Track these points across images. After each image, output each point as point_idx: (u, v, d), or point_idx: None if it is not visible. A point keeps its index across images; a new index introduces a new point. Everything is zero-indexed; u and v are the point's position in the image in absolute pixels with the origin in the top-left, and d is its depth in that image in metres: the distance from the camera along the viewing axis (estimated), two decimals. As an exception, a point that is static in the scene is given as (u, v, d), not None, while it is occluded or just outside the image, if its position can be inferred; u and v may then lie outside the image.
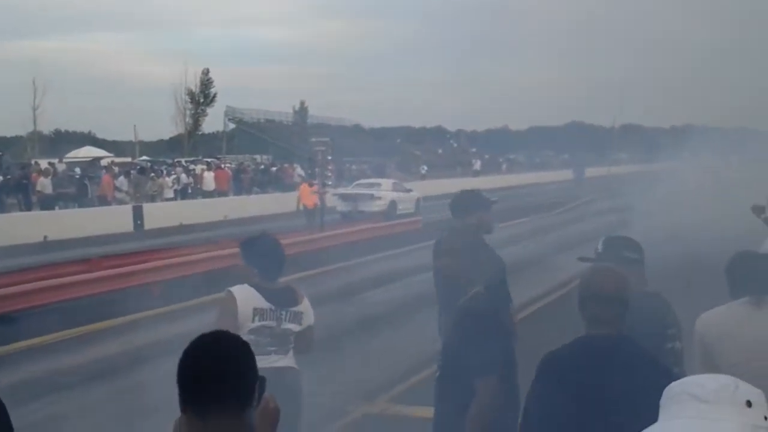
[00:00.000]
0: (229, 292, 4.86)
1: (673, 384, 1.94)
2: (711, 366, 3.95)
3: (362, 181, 34.89)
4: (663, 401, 1.93)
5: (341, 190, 30.80)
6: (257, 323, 4.77)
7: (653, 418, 1.93)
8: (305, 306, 5.02)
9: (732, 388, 1.85)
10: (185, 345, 2.40)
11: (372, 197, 29.80)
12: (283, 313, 4.86)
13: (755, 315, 4.05)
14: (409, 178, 45.49)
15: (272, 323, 4.82)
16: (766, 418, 1.83)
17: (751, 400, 1.83)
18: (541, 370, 3.36)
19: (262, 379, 2.58)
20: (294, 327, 4.92)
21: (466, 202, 5.94)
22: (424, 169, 60.01)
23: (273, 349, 4.80)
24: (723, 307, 4.21)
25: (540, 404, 3.28)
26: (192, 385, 2.33)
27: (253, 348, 4.63)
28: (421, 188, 36.94)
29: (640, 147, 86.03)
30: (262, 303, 4.82)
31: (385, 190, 31.06)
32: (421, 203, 31.86)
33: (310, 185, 25.33)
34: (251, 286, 4.88)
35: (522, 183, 56.78)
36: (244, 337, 4.60)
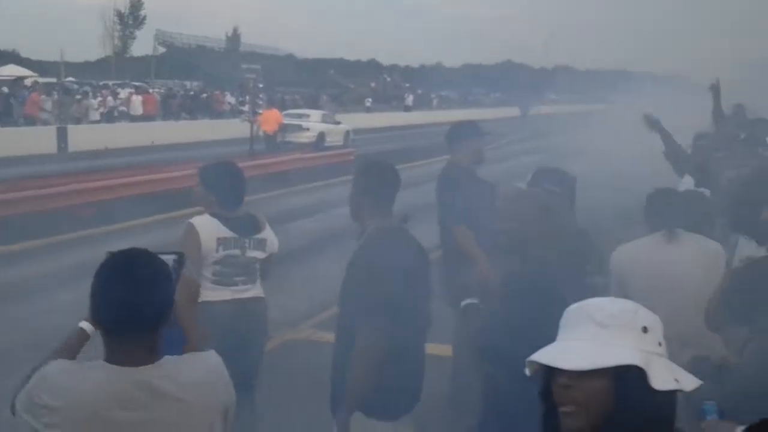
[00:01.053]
0: (190, 224, 4.70)
1: (574, 305, 1.94)
2: (622, 296, 4.08)
3: (291, 111, 33.66)
4: (563, 321, 1.93)
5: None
6: (222, 253, 4.64)
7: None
8: (268, 232, 4.92)
9: (631, 313, 1.86)
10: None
11: (300, 128, 29.30)
12: (247, 241, 4.75)
13: (665, 247, 4.20)
14: (342, 111, 45.13)
15: (237, 252, 4.70)
16: (660, 344, 1.86)
17: (648, 326, 1.85)
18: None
19: (181, 255, 2.61)
20: (259, 254, 4.82)
21: (457, 132, 5.94)
22: (368, 101, 59.66)
23: (240, 279, 4.71)
24: (638, 240, 4.37)
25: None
26: (107, 310, 2.33)
27: (219, 279, 4.62)
28: (355, 121, 36.70)
29: (572, 88, 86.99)
30: (225, 232, 4.68)
31: (313, 122, 30.60)
32: (351, 136, 31.59)
33: (269, 109, 27.09)
34: (212, 215, 4.72)
35: (453, 119, 56.90)
36: (210, 269, 4.63)
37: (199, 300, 4.55)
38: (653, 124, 7.18)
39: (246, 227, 4.79)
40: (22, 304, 8.90)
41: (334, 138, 30.45)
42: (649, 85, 37.68)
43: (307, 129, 29.49)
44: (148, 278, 2.33)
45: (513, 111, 60.63)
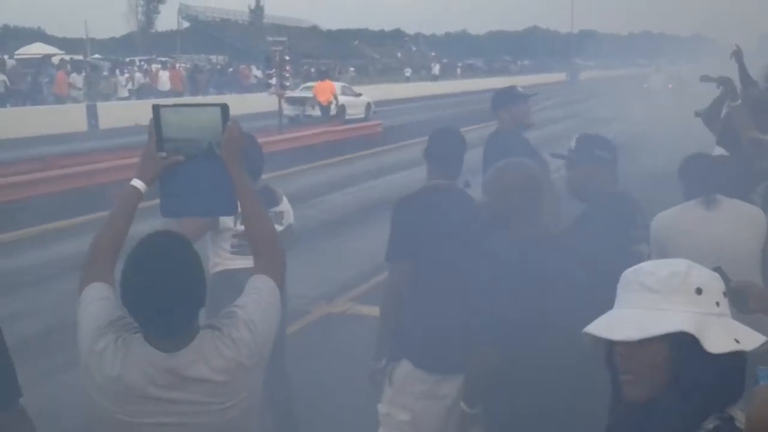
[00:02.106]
0: None
1: (627, 271, 1.89)
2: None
3: (309, 83, 32.56)
4: (618, 288, 1.89)
5: (288, 93, 28.49)
6: (240, 226, 4.62)
7: None
8: (285, 205, 4.96)
9: (682, 275, 1.80)
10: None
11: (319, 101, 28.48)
12: None
13: (704, 214, 4.17)
14: (367, 82, 44.96)
15: None
16: (718, 304, 1.79)
17: (701, 287, 1.79)
18: None
19: (224, 106, 2.55)
20: (276, 227, 4.89)
21: (501, 97, 5.83)
22: (408, 72, 59.80)
23: None
24: (677, 207, 4.32)
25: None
26: (136, 305, 2.30)
27: (238, 250, 4.62)
28: (381, 92, 36.32)
29: (598, 53, 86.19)
30: None
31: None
32: (372, 108, 30.96)
33: (323, 81, 27.99)
34: None
35: (480, 88, 56.54)
36: (228, 241, 4.65)
37: (219, 269, 4.65)
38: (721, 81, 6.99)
39: (263, 200, 4.78)
40: (68, 281, 9.01)
41: (356, 110, 29.72)
42: (674, 46, 37.46)
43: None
44: (178, 270, 2.28)
45: (541, 78, 60.15)
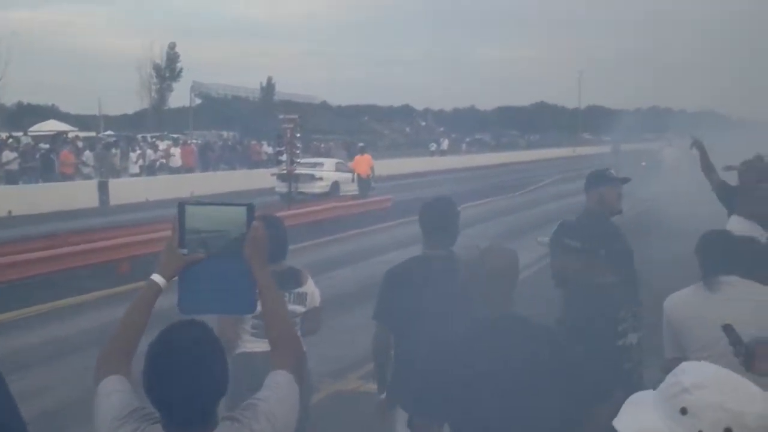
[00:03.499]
0: None
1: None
2: (678, 346, 4.02)
3: (303, 160, 30.76)
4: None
5: (277, 170, 27.21)
6: (260, 307, 4.69)
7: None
8: (309, 287, 4.98)
9: (680, 388, 1.73)
10: (153, 326, 2.35)
11: (313, 178, 27.90)
12: (287, 294, 4.78)
13: (715, 296, 4.02)
14: (377, 157, 45.11)
15: None
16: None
17: (689, 409, 1.69)
18: None
19: (250, 206, 2.59)
20: (298, 308, 4.87)
21: (592, 179, 5.60)
22: (434, 145, 60.69)
23: None
24: (689, 288, 4.21)
25: None
26: (158, 398, 2.31)
27: (258, 331, 4.60)
28: (385, 168, 36.30)
29: (606, 128, 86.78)
30: None
31: (327, 170, 29.28)
32: (371, 184, 30.14)
33: (362, 155, 29.69)
34: None
35: (485, 163, 56.79)
36: (248, 322, 4.66)
37: (239, 351, 4.64)
38: (698, 145, 7.13)
39: (286, 281, 4.81)
40: (79, 358, 8.98)
41: (351, 187, 29.08)
42: (682, 122, 37.39)
43: (320, 178, 28.39)
44: (199, 359, 2.29)
45: (547, 153, 60.46)
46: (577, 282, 4.03)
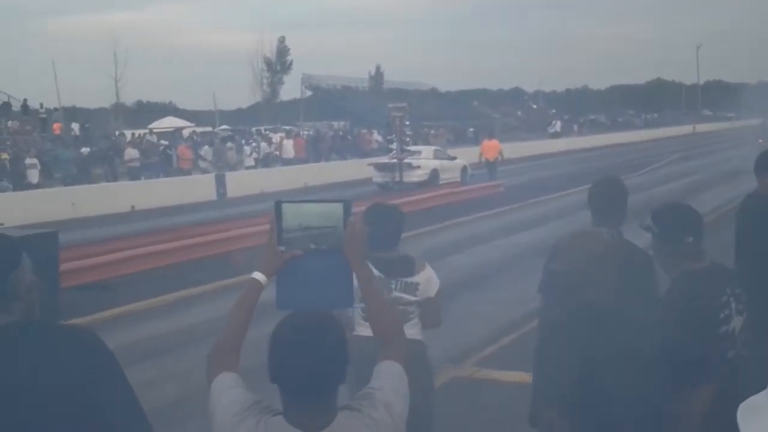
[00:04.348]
0: None
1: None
2: None
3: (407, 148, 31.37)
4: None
5: (375, 159, 27.67)
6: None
7: None
8: (423, 277, 4.88)
9: None
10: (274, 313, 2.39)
11: (410, 166, 27.18)
12: (394, 282, 4.75)
13: None
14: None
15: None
16: None
17: None
18: None
19: (347, 203, 2.64)
20: (407, 297, 4.79)
21: (764, 161, 5.49)
22: (555, 127, 60.06)
23: None
24: None
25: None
26: (284, 375, 2.35)
27: (366, 315, 4.60)
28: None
29: (726, 103, 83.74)
30: None
31: (425, 158, 28.92)
32: (469, 171, 30.15)
33: (490, 139, 31.21)
34: None
35: (601, 144, 55.53)
36: (359, 306, 4.67)
37: (353, 333, 4.65)
38: None
39: (396, 269, 4.78)
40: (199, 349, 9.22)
41: (450, 174, 28.87)
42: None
43: (418, 167, 27.90)
44: (323, 343, 2.34)
45: (666, 131, 58.73)
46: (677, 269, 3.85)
